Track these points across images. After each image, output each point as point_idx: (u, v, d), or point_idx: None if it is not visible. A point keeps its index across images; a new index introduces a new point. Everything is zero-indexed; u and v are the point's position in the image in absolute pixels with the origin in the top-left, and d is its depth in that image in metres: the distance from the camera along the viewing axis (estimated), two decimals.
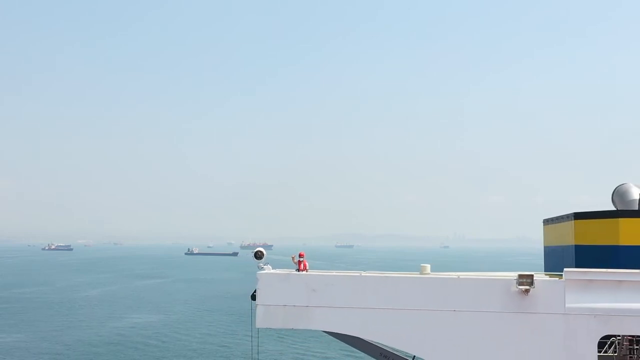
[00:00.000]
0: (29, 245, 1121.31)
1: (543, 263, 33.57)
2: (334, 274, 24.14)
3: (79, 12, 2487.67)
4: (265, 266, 25.57)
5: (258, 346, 36.49)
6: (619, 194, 32.27)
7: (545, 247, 33.16)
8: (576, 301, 21.51)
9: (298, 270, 24.94)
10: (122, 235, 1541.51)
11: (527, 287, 21.19)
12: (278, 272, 25.12)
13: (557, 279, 22.34)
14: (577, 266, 27.08)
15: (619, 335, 24.21)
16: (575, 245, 27.82)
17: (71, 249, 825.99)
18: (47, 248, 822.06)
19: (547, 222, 32.81)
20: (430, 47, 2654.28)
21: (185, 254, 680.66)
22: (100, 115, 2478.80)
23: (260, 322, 23.57)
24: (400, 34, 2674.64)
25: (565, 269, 22.54)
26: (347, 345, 25.83)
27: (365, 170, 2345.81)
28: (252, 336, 29.44)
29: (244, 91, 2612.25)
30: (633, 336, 24.67)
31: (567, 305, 21.44)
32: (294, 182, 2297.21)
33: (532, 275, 21.45)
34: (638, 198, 30.64)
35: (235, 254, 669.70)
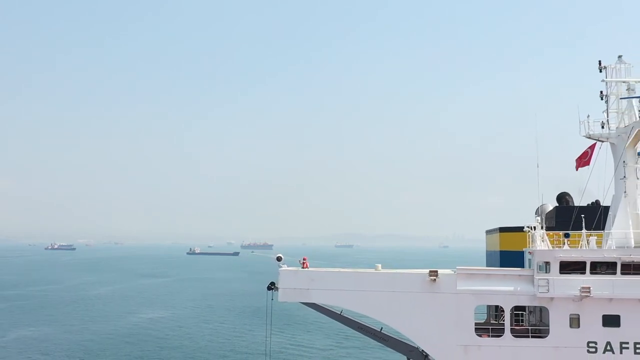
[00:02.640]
0: (29, 245, 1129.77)
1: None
2: (324, 270, 40.72)
3: (80, 13, 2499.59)
4: (283, 265, 40.43)
5: (271, 334, 48.90)
6: (541, 212, 43.99)
7: (486, 252, 44.69)
8: (462, 285, 36.63)
9: (302, 267, 40.50)
10: (122, 235, 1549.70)
11: (434, 277, 36.57)
12: (291, 268, 40.35)
13: (452, 272, 35.24)
14: (502, 266, 39.83)
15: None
16: (500, 251, 40.23)
17: (74, 249, 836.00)
18: (50, 247, 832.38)
19: (487, 232, 44.25)
20: (430, 48, 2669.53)
21: (187, 253, 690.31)
22: (100, 115, 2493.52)
23: (281, 297, 39.27)
24: (400, 34, 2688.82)
25: (457, 267, 36.18)
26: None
27: (365, 170, 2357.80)
28: (267, 322, 42.29)
29: (244, 92, 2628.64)
30: (517, 307, 38.66)
31: (457, 288, 36.61)
32: (294, 182, 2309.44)
33: (436, 271, 36.65)
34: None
35: (236, 253, 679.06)
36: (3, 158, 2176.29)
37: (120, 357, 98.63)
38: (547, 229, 40.58)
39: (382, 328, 41.21)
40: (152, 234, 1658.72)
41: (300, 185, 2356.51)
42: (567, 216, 41.06)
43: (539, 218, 39.79)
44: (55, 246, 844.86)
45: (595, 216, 39.78)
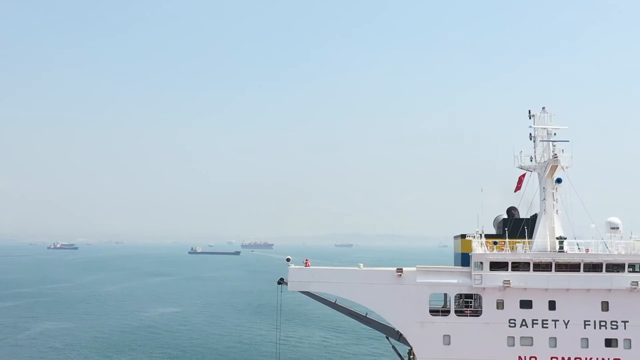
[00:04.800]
0: (30, 244, 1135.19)
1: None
2: (321, 268, 53.32)
3: (80, 13, 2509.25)
4: (291, 264, 52.15)
5: (280, 324, 60.63)
6: (495, 221, 54.98)
7: (454, 253, 55.25)
8: (420, 279, 49.17)
9: (305, 265, 52.57)
10: (122, 234, 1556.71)
11: (400, 273, 48.91)
12: (297, 267, 52.08)
13: (414, 269, 46.34)
14: (462, 264, 50.48)
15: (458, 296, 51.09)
16: (462, 253, 50.92)
17: (76, 248, 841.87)
18: (52, 247, 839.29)
19: (454, 238, 54.79)
20: (429, 49, 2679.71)
21: (189, 252, 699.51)
22: (100, 115, 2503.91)
23: (290, 288, 51.55)
24: (399, 36, 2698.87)
25: (417, 265, 47.18)
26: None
27: (365, 170, 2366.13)
28: (277, 312, 53.57)
29: (244, 93, 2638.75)
30: (464, 294, 50.42)
31: (417, 280, 49.13)
32: (295, 182, 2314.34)
33: (402, 268, 48.89)
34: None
35: (237, 253, 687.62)
36: (3, 158, 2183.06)
37: (138, 347, 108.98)
38: (497, 236, 52.33)
39: (366, 313, 53.90)
40: (152, 233, 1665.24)
41: (301, 185, 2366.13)
42: (509, 226, 53.62)
43: (478, 229, 52.36)
44: (58, 245, 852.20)
45: (520, 226, 53.02)
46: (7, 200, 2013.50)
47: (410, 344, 50.91)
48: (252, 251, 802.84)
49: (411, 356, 52.83)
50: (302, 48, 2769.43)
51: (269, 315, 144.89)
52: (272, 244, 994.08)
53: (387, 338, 54.81)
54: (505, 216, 55.71)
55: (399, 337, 52.57)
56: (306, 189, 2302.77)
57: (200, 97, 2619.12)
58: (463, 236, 52.51)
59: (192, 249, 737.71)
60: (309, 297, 53.73)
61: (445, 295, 51.80)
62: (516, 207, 55.27)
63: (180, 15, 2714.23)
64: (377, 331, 55.55)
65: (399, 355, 55.09)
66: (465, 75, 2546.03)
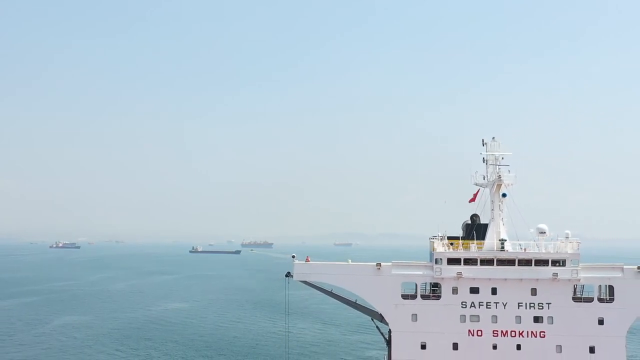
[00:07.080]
0: (31, 244, 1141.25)
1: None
2: (319, 262, 67.02)
3: (80, 14, 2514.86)
4: (296, 260, 64.38)
5: (288, 311, 72.45)
6: (462, 226, 66.36)
7: (429, 252, 66.58)
8: (395, 271, 62.00)
9: (306, 261, 65.00)
10: (122, 233, 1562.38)
11: (379, 267, 61.81)
12: (300, 262, 64.67)
13: (390, 263, 57.63)
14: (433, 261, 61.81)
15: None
16: (434, 252, 62.26)
17: (78, 247, 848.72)
18: (54, 246, 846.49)
19: (429, 239, 66.16)
20: (429, 49, 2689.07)
21: (190, 252, 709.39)
22: (100, 115, 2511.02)
23: (296, 277, 64.04)
24: (399, 36, 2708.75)
25: (392, 261, 58.14)
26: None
27: (364, 170, 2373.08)
28: (285, 302, 65.62)
29: (244, 93, 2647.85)
30: (431, 284, 62.78)
31: (392, 272, 62.01)
32: (295, 182, 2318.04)
33: (380, 263, 61.49)
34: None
35: (238, 252, 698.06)
36: (3, 158, 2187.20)
37: (152, 338, 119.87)
38: (457, 238, 65.76)
39: (356, 300, 66.17)
40: (151, 232, 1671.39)
41: (301, 185, 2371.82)
42: (468, 230, 66.83)
43: (439, 233, 64.96)
44: (60, 244, 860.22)
45: (479, 230, 65.97)
46: (7, 200, 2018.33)
47: (388, 322, 63.34)
48: (252, 250, 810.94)
49: (391, 334, 64.25)
50: (302, 48, 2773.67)
51: (270, 310, 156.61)
52: (272, 243, 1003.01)
53: (372, 320, 67.13)
54: (470, 222, 67.72)
55: (381, 319, 64.50)
56: (306, 188, 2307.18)
57: (200, 96, 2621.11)
58: (433, 238, 64.88)
59: (192, 248, 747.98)
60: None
61: (416, 284, 64.13)
62: (478, 214, 67.36)
63: (180, 15, 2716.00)
64: (365, 322, 67.55)
65: (381, 332, 67.65)
66: (465, 75, 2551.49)
